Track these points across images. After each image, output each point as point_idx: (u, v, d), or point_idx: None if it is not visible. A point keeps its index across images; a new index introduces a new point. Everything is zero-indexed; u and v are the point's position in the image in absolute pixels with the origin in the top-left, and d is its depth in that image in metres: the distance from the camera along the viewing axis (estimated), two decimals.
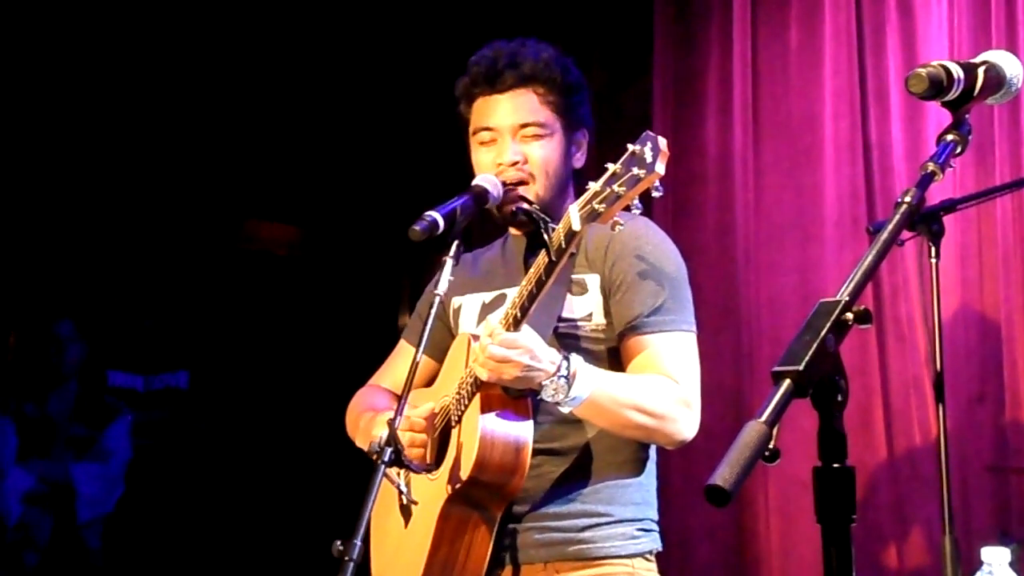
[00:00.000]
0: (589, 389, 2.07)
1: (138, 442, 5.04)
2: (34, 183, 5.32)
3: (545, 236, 2.02)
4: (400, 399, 2.11)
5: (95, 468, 4.89)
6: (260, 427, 5.55)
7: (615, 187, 1.90)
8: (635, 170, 1.88)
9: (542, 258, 2.03)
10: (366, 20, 5.08)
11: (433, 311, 2.18)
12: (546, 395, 2.06)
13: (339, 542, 1.95)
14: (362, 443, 2.38)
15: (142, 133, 5.38)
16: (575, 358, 2.08)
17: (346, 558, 1.93)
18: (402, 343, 2.61)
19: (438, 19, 4.91)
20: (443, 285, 2.18)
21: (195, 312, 5.71)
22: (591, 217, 1.93)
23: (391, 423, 2.05)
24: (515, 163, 2.31)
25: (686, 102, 4.22)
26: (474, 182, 2.29)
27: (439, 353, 2.45)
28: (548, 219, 2.07)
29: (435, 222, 2.16)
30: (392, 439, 2.04)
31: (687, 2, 4.28)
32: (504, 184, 2.30)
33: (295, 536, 4.92)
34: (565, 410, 2.09)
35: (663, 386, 2.17)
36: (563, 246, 2.00)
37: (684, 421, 2.19)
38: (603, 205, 1.92)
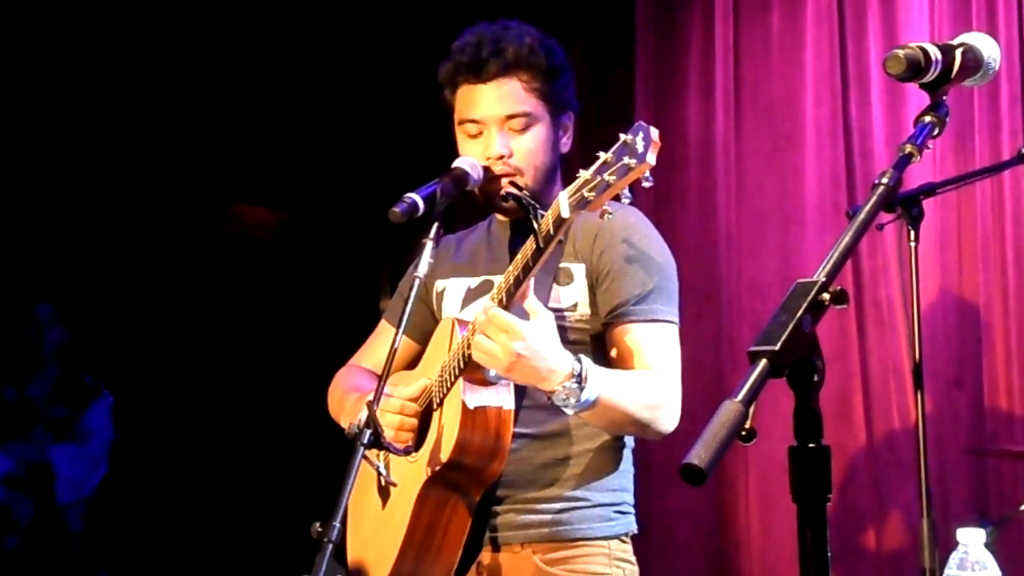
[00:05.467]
0: (598, 392, 2.06)
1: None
2: (15, 166, 5.29)
3: (534, 222, 2.01)
4: (380, 381, 2.11)
5: (74, 450, 4.88)
6: (241, 409, 5.54)
7: (606, 176, 1.89)
8: (626, 159, 1.87)
9: (529, 244, 2.02)
10: (348, 7, 5.07)
11: (414, 293, 2.17)
12: (557, 399, 2.05)
13: (318, 524, 1.95)
14: (346, 424, 2.38)
15: (126, 117, 5.35)
16: (586, 360, 2.06)
17: (325, 539, 1.93)
18: (383, 323, 2.61)
19: (419, 5, 4.90)
20: (423, 267, 2.17)
21: (176, 294, 5.69)
22: (581, 205, 1.92)
23: (371, 405, 2.05)
24: (501, 157, 2.29)
25: (668, 87, 4.22)
26: (454, 164, 2.28)
27: (420, 334, 2.45)
28: (537, 205, 2.06)
29: (415, 204, 2.16)
30: (371, 421, 2.04)
31: None
32: (488, 171, 2.29)
33: (276, 517, 4.93)
34: (570, 412, 2.09)
35: (655, 384, 2.18)
36: (551, 233, 1.98)
37: (670, 417, 2.20)
38: (593, 193, 1.90)
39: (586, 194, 1.91)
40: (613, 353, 2.24)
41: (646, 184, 1.90)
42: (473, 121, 2.32)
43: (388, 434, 2.13)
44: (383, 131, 5.28)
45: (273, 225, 6.00)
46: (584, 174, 1.92)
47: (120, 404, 5.10)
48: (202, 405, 5.59)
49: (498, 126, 2.30)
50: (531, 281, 2.05)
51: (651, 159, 1.86)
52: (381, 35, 5.08)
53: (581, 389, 2.03)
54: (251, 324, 5.70)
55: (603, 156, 1.91)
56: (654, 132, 1.87)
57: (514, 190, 2.20)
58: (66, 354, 5.13)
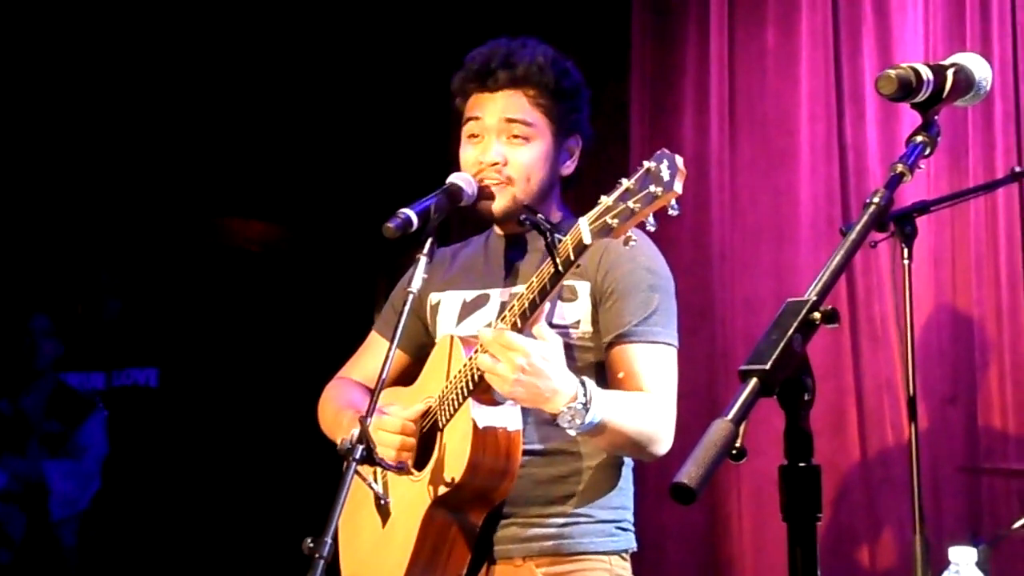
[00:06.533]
0: (602, 415, 2.06)
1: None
2: (9, 177, 5.29)
3: (552, 248, 1.99)
4: (372, 396, 2.11)
5: (68, 465, 4.86)
6: (235, 424, 5.53)
7: (629, 203, 1.87)
8: (651, 188, 1.86)
9: (547, 268, 2.01)
10: (346, 20, 5.08)
11: (407, 308, 2.17)
12: (562, 421, 2.05)
13: (310, 540, 1.95)
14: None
15: (121, 129, 5.35)
16: (590, 382, 2.07)
17: (316, 556, 1.93)
18: (374, 335, 2.59)
19: (417, 21, 4.91)
20: (417, 282, 2.18)
21: (171, 308, 5.69)
22: (603, 232, 1.91)
23: (363, 420, 2.05)
24: (495, 164, 2.30)
25: (663, 102, 4.22)
26: (449, 180, 2.28)
27: (412, 347, 2.45)
28: (554, 229, 2.04)
29: (409, 219, 2.16)
30: (364, 437, 2.03)
31: (665, 2, 4.28)
32: (480, 184, 2.29)
33: (269, 532, 4.91)
34: (574, 434, 2.09)
35: (654, 408, 2.19)
36: (571, 258, 1.97)
37: (666, 441, 2.21)
38: (616, 221, 1.89)
39: (609, 221, 1.90)
40: (612, 373, 2.24)
41: (672, 212, 1.88)
42: (476, 120, 2.33)
43: (388, 453, 2.13)
44: (378, 145, 5.28)
45: (266, 239, 6.00)
46: (606, 200, 1.91)
47: (113, 417, 5.08)
48: (195, 419, 5.58)
49: (497, 133, 2.30)
50: (545, 305, 2.05)
51: (678, 188, 1.85)
52: (376, 49, 5.09)
53: (586, 411, 2.03)
54: (244, 338, 5.69)
55: (625, 183, 1.89)
56: (679, 160, 1.86)
57: (529, 214, 2.19)
58: (60, 367, 5.12)
